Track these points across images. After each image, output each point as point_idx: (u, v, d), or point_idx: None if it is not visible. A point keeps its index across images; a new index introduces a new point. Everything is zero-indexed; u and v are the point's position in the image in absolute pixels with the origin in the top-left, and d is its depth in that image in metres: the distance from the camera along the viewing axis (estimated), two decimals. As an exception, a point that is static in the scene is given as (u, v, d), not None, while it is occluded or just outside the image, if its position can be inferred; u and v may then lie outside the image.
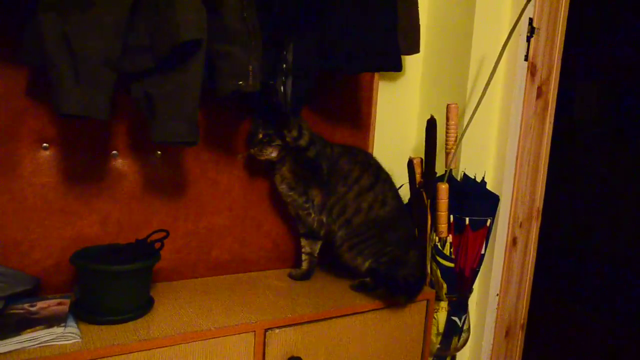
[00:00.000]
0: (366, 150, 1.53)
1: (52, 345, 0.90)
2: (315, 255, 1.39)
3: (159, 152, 1.24)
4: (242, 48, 1.07)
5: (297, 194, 1.33)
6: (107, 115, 0.97)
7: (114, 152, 1.19)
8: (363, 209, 1.32)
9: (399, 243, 1.34)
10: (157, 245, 1.12)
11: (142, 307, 1.08)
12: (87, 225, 1.17)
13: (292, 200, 1.34)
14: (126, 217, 1.22)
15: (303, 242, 1.39)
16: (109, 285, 1.01)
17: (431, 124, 1.38)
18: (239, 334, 1.06)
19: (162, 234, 1.13)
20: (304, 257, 1.39)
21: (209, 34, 1.06)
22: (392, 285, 1.26)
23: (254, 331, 1.08)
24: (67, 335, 0.92)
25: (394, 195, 1.37)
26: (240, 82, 1.07)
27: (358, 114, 1.51)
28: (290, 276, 1.37)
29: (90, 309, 1.02)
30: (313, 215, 1.34)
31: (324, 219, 1.34)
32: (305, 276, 1.37)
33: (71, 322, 0.97)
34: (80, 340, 0.93)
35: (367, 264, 1.33)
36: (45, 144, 1.12)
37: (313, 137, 1.30)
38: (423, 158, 1.42)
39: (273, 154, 1.28)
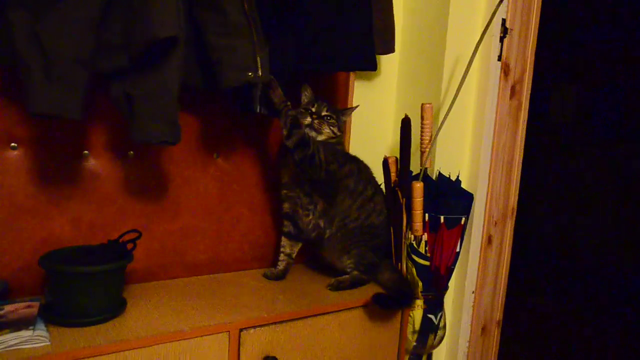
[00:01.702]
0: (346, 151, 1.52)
1: (19, 349, 0.88)
2: (294, 257, 1.39)
3: (132, 152, 1.22)
4: (245, 40, 1.07)
5: (303, 192, 1.32)
6: (79, 115, 0.96)
7: (86, 152, 1.17)
8: (361, 217, 1.34)
9: (377, 250, 1.37)
10: (130, 245, 1.10)
11: (114, 309, 1.06)
12: (58, 227, 1.15)
13: (296, 196, 1.32)
14: (98, 219, 1.20)
15: (284, 241, 1.38)
16: (79, 287, 1.00)
17: (405, 124, 1.39)
18: (213, 334, 1.05)
19: (135, 235, 1.12)
20: (281, 257, 1.39)
21: (209, 27, 1.05)
22: (402, 303, 1.32)
23: (229, 331, 1.07)
24: (35, 338, 0.90)
25: (386, 207, 1.40)
26: (250, 74, 1.08)
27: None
28: (265, 276, 1.37)
29: (61, 312, 1.00)
30: (311, 217, 1.33)
31: (322, 224, 1.33)
32: (280, 277, 1.36)
33: (40, 325, 0.95)
34: (49, 343, 0.91)
35: (349, 262, 1.34)
36: (13, 144, 1.10)
37: (314, 144, 1.25)
38: (398, 157, 1.42)
39: (328, 132, 1.31)
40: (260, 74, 1.09)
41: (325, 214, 1.32)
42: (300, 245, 1.39)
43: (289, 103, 1.23)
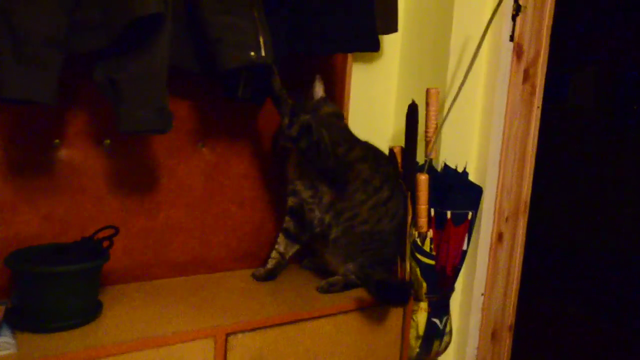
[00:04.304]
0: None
1: (-17, 356, 0.88)
2: (287, 258, 1.38)
3: (108, 141, 1.21)
4: (244, 18, 1.08)
5: (303, 186, 1.31)
6: (53, 100, 0.96)
7: (57, 140, 1.16)
8: (372, 221, 1.31)
9: (385, 262, 1.36)
10: (106, 243, 1.10)
11: (88, 312, 1.06)
12: (26, 223, 1.14)
13: (298, 191, 1.32)
14: (72, 213, 1.19)
15: (280, 238, 1.37)
16: (50, 289, 0.99)
17: (412, 110, 1.37)
18: (197, 339, 1.05)
19: (111, 231, 1.11)
20: (273, 254, 1.38)
21: (205, 4, 1.06)
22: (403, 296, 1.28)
23: (214, 336, 1.07)
24: (0, 345, 0.90)
25: (402, 212, 1.37)
26: (252, 54, 1.08)
27: (329, 99, 1.50)
28: (254, 276, 1.36)
29: (29, 316, 1.00)
30: (316, 212, 1.31)
31: (327, 220, 1.31)
32: (270, 276, 1.36)
33: (5, 332, 0.95)
34: (15, 350, 0.90)
35: (351, 266, 1.33)
36: (-24, 132, 1.09)
37: (315, 130, 1.23)
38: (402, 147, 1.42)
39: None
40: (263, 54, 1.09)
41: (332, 208, 1.30)
42: (296, 248, 1.38)
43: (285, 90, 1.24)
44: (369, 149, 1.37)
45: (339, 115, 1.38)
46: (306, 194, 1.31)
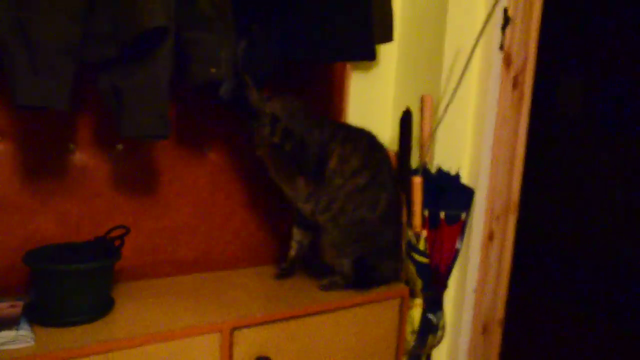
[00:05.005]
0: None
1: (2, 349, 0.89)
2: (305, 245, 1.39)
3: (120, 146, 1.23)
4: (212, 34, 1.08)
5: (281, 181, 1.30)
6: (67, 106, 0.97)
7: (72, 145, 1.17)
8: (348, 210, 1.27)
9: (382, 250, 1.36)
10: (117, 243, 1.11)
11: (101, 308, 1.07)
12: (43, 223, 1.16)
13: (279, 184, 1.32)
14: (85, 215, 1.21)
15: (294, 230, 1.38)
16: (65, 286, 1.01)
17: (406, 117, 1.39)
18: (204, 334, 1.06)
19: (123, 231, 1.13)
20: (292, 244, 1.39)
21: (179, 20, 1.05)
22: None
23: (220, 331, 1.08)
24: (19, 338, 0.91)
25: (387, 200, 1.32)
26: (213, 70, 1.07)
27: (329, 107, 1.52)
28: (278, 274, 1.38)
29: (46, 311, 1.01)
30: (299, 203, 1.31)
31: (308, 208, 1.29)
32: (293, 265, 1.38)
33: (24, 325, 0.96)
34: (33, 344, 0.92)
35: (347, 265, 1.33)
36: (-5, 137, 1.10)
37: (292, 124, 1.22)
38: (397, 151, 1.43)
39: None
40: (223, 70, 1.09)
41: (310, 197, 1.27)
42: (310, 236, 1.38)
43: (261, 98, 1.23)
44: (348, 129, 1.34)
45: (294, 100, 1.31)
46: (286, 188, 1.30)
